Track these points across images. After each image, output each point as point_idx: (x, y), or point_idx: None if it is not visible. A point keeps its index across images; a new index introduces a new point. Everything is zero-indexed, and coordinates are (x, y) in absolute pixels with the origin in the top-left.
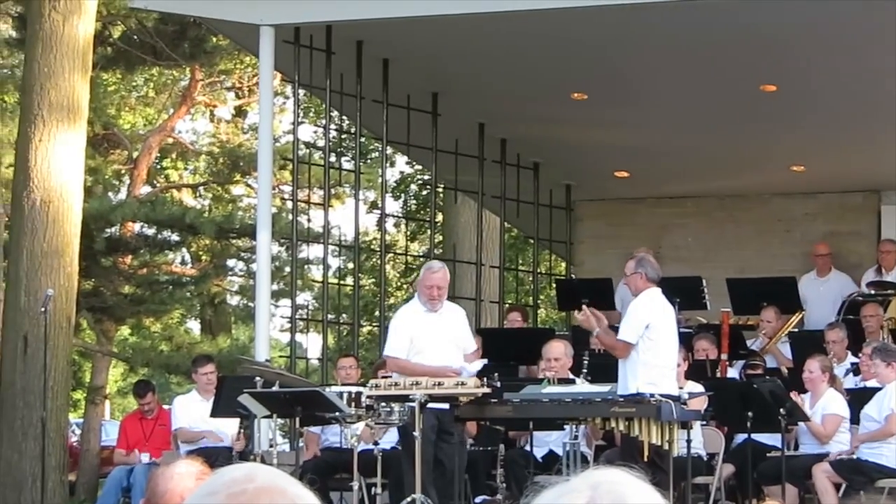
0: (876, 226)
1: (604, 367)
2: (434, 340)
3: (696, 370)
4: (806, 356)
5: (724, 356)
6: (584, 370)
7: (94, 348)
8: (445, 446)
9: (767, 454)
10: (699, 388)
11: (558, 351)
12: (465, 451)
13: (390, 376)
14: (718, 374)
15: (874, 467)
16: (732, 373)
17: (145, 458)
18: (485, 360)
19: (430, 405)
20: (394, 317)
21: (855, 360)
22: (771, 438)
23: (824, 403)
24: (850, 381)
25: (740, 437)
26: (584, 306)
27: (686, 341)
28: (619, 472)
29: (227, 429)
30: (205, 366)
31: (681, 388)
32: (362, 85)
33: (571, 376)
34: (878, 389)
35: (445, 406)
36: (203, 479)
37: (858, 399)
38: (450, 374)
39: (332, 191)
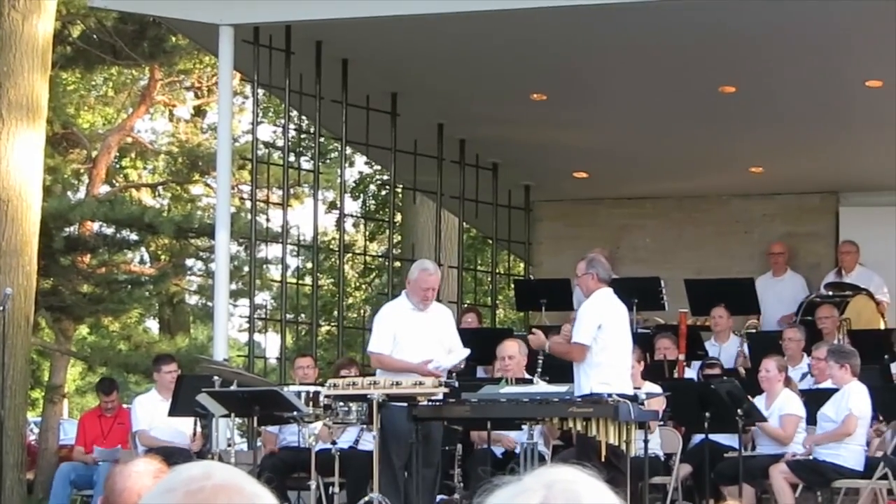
0: (834, 227)
1: (559, 367)
2: (419, 339)
3: (654, 370)
4: (763, 356)
5: (681, 357)
6: (539, 370)
7: (52, 347)
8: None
9: (725, 455)
10: (657, 388)
11: (512, 350)
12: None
13: (374, 373)
14: (676, 375)
15: (831, 468)
16: (690, 373)
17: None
18: (468, 350)
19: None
20: (379, 313)
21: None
22: (728, 439)
23: (780, 404)
24: (807, 382)
25: (698, 438)
26: (533, 330)
27: (644, 342)
28: (574, 470)
29: (186, 430)
30: (168, 364)
31: (638, 388)
32: (321, 85)
33: (528, 376)
34: (832, 391)
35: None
36: (161, 477)
37: (814, 400)
38: (432, 372)
39: (291, 191)
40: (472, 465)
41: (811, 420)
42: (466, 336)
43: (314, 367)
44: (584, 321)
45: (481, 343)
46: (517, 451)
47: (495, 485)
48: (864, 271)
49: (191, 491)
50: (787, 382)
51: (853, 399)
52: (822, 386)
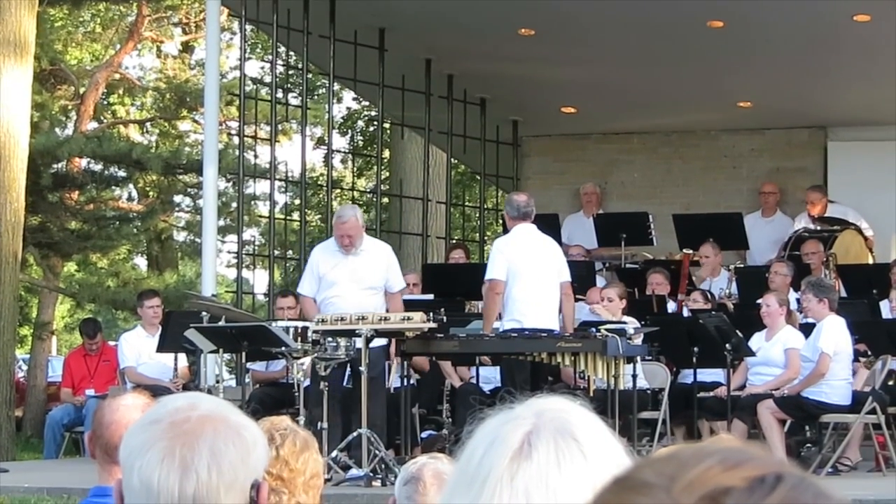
0: (822, 162)
1: None
2: (337, 281)
3: (642, 305)
4: (751, 292)
5: (681, 296)
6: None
7: (40, 284)
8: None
9: (712, 392)
10: (635, 323)
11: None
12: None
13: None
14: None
15: (815, 404)
16: (673, 308)
17: (90, 392)
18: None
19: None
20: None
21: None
22: (714, 375)
23: (785, 338)
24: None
25: (686, 373)
26: None
27: (633, 277)
28: (564, 400)
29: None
30: (150, 299)
31: (622, 322)
32: (309, 20)
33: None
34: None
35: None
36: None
37: (806, 335)
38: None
39: (279, 127)
40: (461, 401)
41: None
42: (455, 271)
43: (296, 306)
44: (491, 258)
45: (470, 278)
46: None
47: (485, 415)
48: (838, 208)
49: (176, 421)
50: (789, 315)
51: (823, 337)
52: (809, 320)
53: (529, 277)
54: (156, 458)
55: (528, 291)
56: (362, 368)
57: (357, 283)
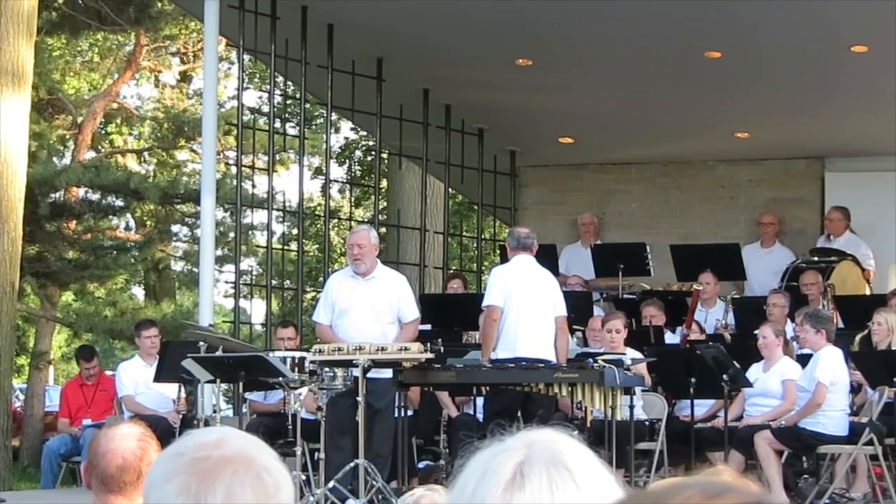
0: (820, 192)
1: None
2: (353, 308)
3: (639, 337)
4: (749, 322)
5: (685, 330)
6: None
7: (38, 313)
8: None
9: (709, 422)
10: (638, 355)
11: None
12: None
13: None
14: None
15: (812, 435)
16: (675, 339)
17: (87, 422)
18: (417, 316)
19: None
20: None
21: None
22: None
23: (782, 369)
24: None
25: (683, 404)
26: None
27: (631, 307)
28: (555, 431)
29: (171, 395)
30: (148, 329)
31: (621, 354)
32: (307, 50)
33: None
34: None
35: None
36: (144, 440)
37: (803, 366)
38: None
39: (277, 156)
40: (456, 432)
41: None
42: (452, 301)
43: (296, 338)
44: (489, 284)
45: (467, 308)
46: None
47: (477, 447)
48: (853, 238)
49: (199, 458)
50: (786, 346)
51: (820, 367)
52: (805, 351)
53: (524, 308)
54: (173, 491)
55: (522, 321)
56: (359, 398)
57: (370, 310)
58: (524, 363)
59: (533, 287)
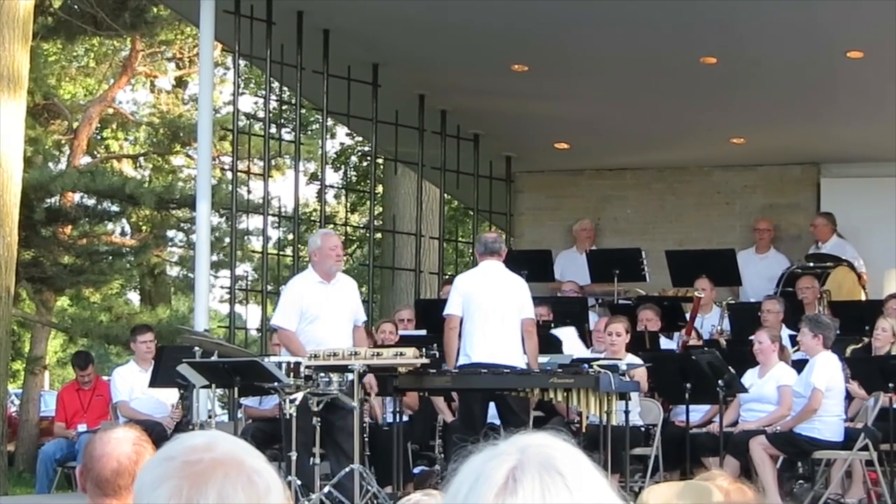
0: (815, 198)
1: (542, 337)
2: (329, 314)
3: (635, 342)
4: (744, 328)
5: (685, 337)
6: None
7: (33, 318)
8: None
9: (704, 428)
10: (637, 360)
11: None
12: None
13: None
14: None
15: (807, 441)
16: (672, 344)
17: (83, 428)
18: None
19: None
20: (287, 285)
21: (792, 332)
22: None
23: (778, 374)
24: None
25: (678, 410)
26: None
27: (626, 313)
28: (547, 435)
29: (167, 401)
30: (143, 334)
31: (620, 359)
32: (303, 55)
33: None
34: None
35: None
36: (140, 444)
37: (799, 371)
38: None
39: (273, 162)
40: (452, 437)
41: None
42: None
43: None
44: (450, 293)
45: None
46: None
47: (470, 451)
48: (839, 242)
49: (189, 461)
50: (782, 352)
51: (816, 373)
52: (802, 355)
53: (483, 313)
54: (164, 495)
55: (479, 327)
56: (354, 403)
57: (339, 315)
58: (484, 369)
59: (497, 292)
